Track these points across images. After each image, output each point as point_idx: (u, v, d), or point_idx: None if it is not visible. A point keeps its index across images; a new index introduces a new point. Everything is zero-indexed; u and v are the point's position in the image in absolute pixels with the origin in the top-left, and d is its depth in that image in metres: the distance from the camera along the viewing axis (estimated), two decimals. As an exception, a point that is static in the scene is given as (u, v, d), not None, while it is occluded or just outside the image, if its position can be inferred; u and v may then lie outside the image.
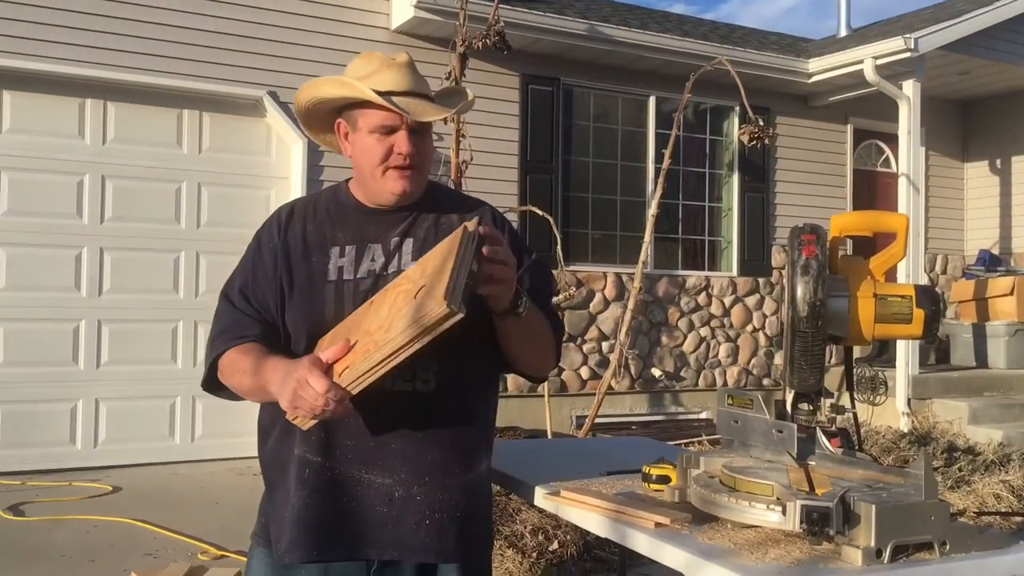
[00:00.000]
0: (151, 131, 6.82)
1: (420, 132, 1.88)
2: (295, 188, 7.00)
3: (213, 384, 1.93)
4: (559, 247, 6.84)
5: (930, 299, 1.89)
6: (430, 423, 1.84)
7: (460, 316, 1.55)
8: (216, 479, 6.19)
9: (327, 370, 1.65)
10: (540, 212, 6.71)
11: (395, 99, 1.83)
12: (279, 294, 1.90)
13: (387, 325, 1.61)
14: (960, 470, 6.57)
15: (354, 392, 1.63)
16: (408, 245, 1.91)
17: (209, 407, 6.74)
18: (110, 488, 5.86)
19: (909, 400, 8.33)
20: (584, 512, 1.94)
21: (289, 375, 1.66)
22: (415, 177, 1.89)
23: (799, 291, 1.83)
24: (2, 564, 4.36)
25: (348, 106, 1.91)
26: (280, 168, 7.17)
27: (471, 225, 1.69)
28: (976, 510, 5.64)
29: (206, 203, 6.96)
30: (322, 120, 2.00)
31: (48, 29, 6.36)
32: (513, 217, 7.67)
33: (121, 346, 6.64)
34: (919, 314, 1.89)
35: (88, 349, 6.58)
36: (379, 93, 1.83)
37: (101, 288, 6.64)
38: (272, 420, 1.90)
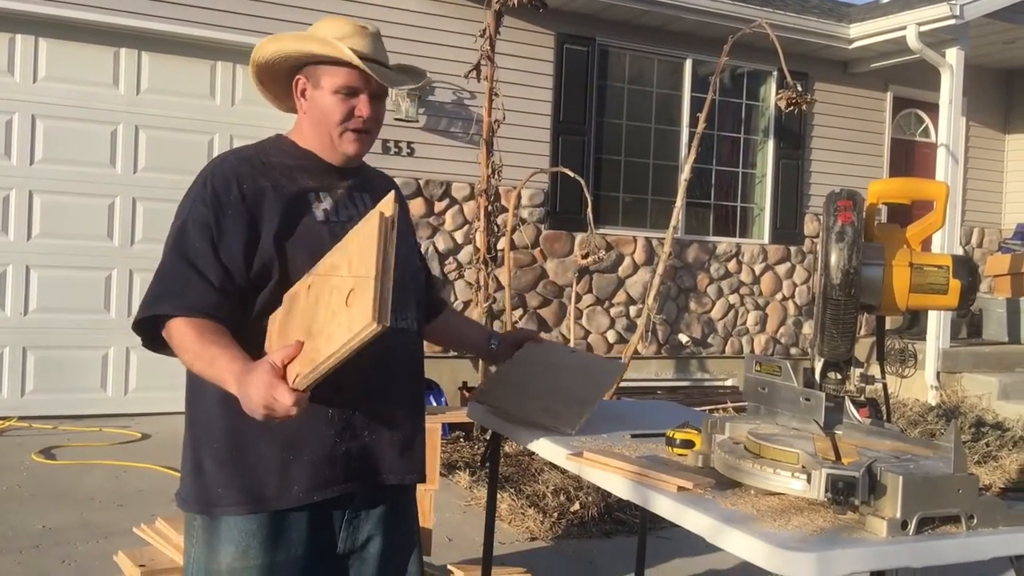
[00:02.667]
0: (184, 82, 6.82)
1: (379, 98, 1.96)
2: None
3: (154, 341, 1.86)
4: (590, 210, 6.80)
5: (967, 270, 1.85)
6: (414, 357, 2.03)
7: (388, 326, 1.55)
8: (243, 430, 6.27)
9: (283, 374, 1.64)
10: (571, 174, 6.66)
11: (352, 50, 1.88)
12: (255, 246, 1.83)
13: (327, 334, 1.62)
14: (987, 445, 6.52)
15: (308, 391, 1.64)
16: (367, 198, 1.98)
17: (237, 359, 6.80)
18: (139, 435, 5.96)
19: (938, 373, 8.25)
20: (607, 474, 1.94)
21: (252, 392, 1.61)
22: (368, 141, 1.98)
23: (833, 258, 1.80)
24: (35, 505, 4.45)
25: (312, 63, 1.94)
26: (312, 123, 7.15)
27: (387, 210, 1.63)
28: (1003, 485, 5.60)
29: (238, 156, 6.96)
30: (276, 77, 2.03)
31: (84, -23, 6.37)
32: (544, 178, 7.63)
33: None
34: (955, 285, 1.85)
35: (120, 298, 6.65)
36: (365, 61, 1.89)
37: (133, 238, 6.70)
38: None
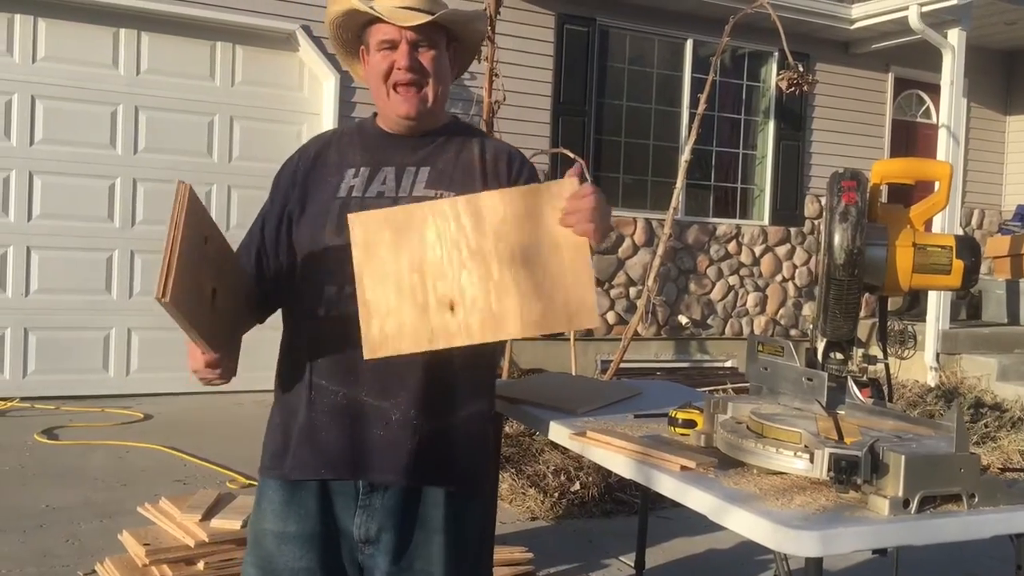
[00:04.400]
0: (184, 63, 6.80)
1: (424, 47, 1.89)
2: (326, 123, 6.97)
3: None
4: (590, 191, 6.78)
5: (970, 250, 1.86)
6: (433, 353, 1.81)
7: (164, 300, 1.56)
8: (243, 410, 6.28)
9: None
10: (571, 155, 6.64)
11: (390, 6, 1.86)
12: (287, 218, 1.95)
13: None
14: (986, 426, 6.54)
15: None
16: (424, 173, 1.92)
17: (238, 340, 6.82)
18: (141, 415, 5.97)
19: (938, 355, 8.27)
20: (610, 453, 1.95)
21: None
22: (419, 96, 1.91)
23: (836, 238, 1.81)
24: (38, 485, 4.47)
25: (364, 28, 1.94)
26: (312, 103, 7.14)
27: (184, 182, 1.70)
28: (1000, 466, 5.62)
29: (238, 137, 6.96)
30: (354, 51, 2.02)
31: (82, -44, 6.33)
32: (544, 159, 7.61)
33: (153, 277, 6.66)
34: (958, 265, 1.86)
35: (121, 279, 6.65)
36: (373, 6, 1.87)
37: (134, 219, 6.69)
38: (288, 345, 1.96)
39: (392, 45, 1.88)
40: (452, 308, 1.69)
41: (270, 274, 1.96)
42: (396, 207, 1.79)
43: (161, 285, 1.53)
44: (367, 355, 1.70)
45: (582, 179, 1.71)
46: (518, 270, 1.68)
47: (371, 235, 1.72)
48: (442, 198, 1.80)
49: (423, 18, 1.86)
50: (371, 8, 1.87)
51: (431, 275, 1.69)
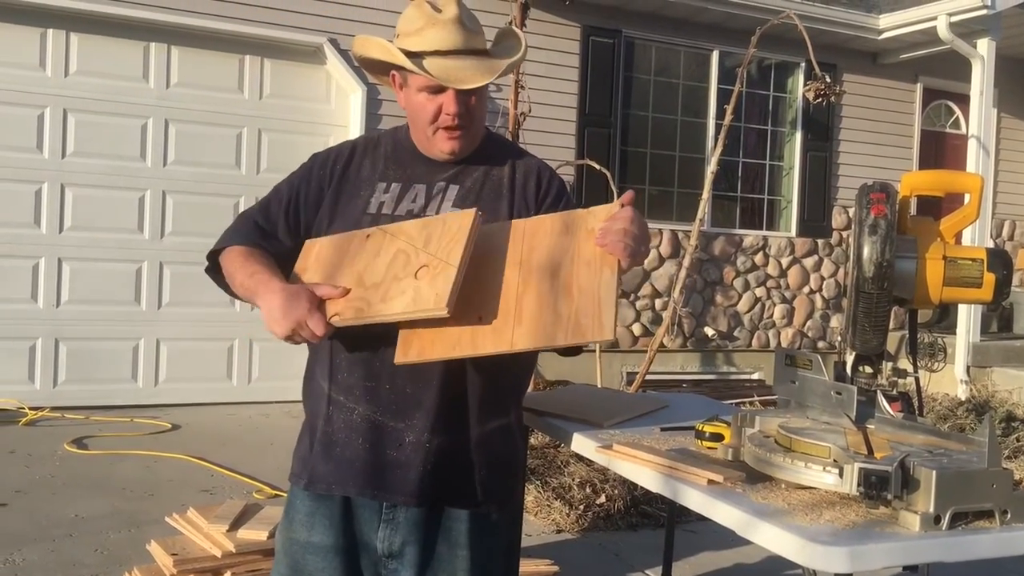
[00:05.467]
0: (213, 76, 6.87)
1: (470, 90, 1.87)
2: (353, 135, 7.00)
3: (214, 268, 1.99)
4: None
5: (1002, 263, 1.84)
6: (447, 372, 1.82)
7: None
8: (271, 420, 6.32)
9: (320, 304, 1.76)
10: (597, 166, 6.64)
11: (439, 61, 1.82)
12: (315, 220, 1.96)
13: (383, 292, 1.73)
14: (1018, 440, 6.45)
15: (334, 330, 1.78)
16: (452, 191, 1.92)
17: (266, 351, 6.87)
18: (169, 426, 6.02)
19: (968, 368, 8.17)
20: (637, 467, 1.94)
21: (289, 308, 1.73)
22: (465, 136, 1.91)
23: (866, 251, 1.79)
24: (68, 494, 4.52)
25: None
26: (339, 116, 7.19)
27: (477, 215, 1.75)
28: (1033, 481, 5.54)
29: (266, 149, 7.02)
30: (379, 68, 2.01)
31: (114, -28, 6.42)
32: (569, 171, 7.62)
33: (182, 288, 6.76)
34: (990, 278, 1.84)
35: (150, 290, 6.72)
36: (425, 53, 1.83)
37: (163, 231, 6.76)
38: (313, 360, 1.96)
39: (439, 89, 1.85)
40: (480, 319, 1.70)
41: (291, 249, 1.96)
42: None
43: (451, 297, 1.67)
44: (397, 360, 1.74)
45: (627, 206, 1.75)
46: (547, 286, 1.71)
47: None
48: None
49: (480, 80, 1.84)
50: (419, 66, 1.82)
51: (464, 287, 1.71)
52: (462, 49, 1.84)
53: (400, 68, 1.89)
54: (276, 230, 1.96)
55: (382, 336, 1.79)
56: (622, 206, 1.75)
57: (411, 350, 1.74)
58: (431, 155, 1.95)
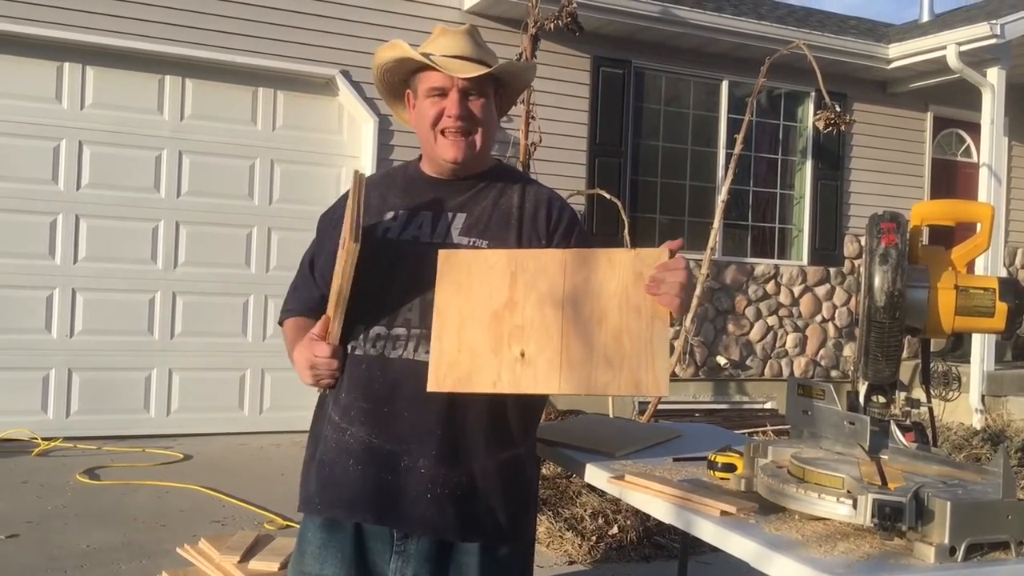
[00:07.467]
0: (227, 108, 6.94)
1: (473, 96, 1.91)
2: (366, 166, 7.06)
3: None
4: (626, 231, 6.79)
5: (1014, 292, 1.83)
6: (451, 399, 1.80)
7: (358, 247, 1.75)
8: (282, 451, 6.31)
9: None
10: (608, 196, 6.66)
11: (445, 59, 1.89)
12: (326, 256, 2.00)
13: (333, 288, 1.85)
14: (1035, 470, 6.38)
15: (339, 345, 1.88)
16: (460, 219, 1.93)
17: (277, 380, 6.88)
18: (181, 456, 6.02)
19: (983, 397, 8.11)
20: (649, 497, 1.93)
21: (300, 355, 1.89)
22: (467, 143, 1.93)
23: (877, 280, 1.79)
24: (80, 525, 4.51)
25: (413, 74, 1.97)
26: (351, 147, 7.25)
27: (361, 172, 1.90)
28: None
29: (279, 180, 7.07)
30: (399, 95, 2.05)
31: (128, 6, 6.51)
32: (580, 200, 7.64)
33: (194, 318, 6.79)
34: (1002, 308, 1.83)
35: (163, 320, 6.75)
36: (435, 54, 1.90)
37: (176, 261, 6.80)
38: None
39: (442, 92, 1.91)
40: (523, 355, 1.69)
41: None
42: (487, 251, 1.82)
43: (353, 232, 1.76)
44: (430, 388, 1.72)
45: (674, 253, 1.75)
46: (594, 329, 1.69)
47: (456, 273, 1.75)
48: (484, 247, 1.84)
49: (478, 70, 1.89)
50: (425, 58, 1.90)
51: (508, 321, 1.70)
52: (470, 56, 1.92)
53: (417, 72, 1.94)
54: (313, 290, 2.06)
55: (383, 359, 1.83)
56: (671, 252, 1.74)
57: (445, 380, 1.71)
58: (437, 166, 1.98)
